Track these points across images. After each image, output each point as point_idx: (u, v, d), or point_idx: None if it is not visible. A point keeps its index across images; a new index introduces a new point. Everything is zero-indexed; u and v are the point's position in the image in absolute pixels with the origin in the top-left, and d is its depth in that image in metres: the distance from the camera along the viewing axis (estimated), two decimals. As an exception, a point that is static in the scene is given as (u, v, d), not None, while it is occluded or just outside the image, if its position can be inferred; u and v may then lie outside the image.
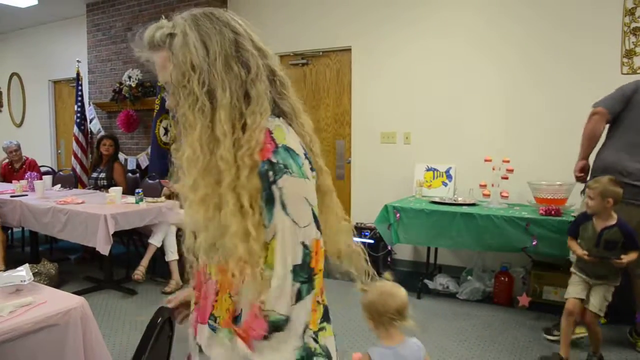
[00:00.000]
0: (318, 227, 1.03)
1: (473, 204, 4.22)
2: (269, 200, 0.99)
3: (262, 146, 1.01)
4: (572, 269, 3.13)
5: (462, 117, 4.76)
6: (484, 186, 4.29)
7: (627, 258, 2.86)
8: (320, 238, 1.03)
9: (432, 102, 4.89)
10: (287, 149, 1.01)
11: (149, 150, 5.85)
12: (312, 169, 1.06)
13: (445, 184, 4.79)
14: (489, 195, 4.25)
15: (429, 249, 4.53)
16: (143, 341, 1.39)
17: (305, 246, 0.99)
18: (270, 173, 0.99)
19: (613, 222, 2.91)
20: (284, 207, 0.98)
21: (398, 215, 4.18)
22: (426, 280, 4.44)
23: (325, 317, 1.18)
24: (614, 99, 3.28)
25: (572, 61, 4.20)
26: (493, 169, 4.19)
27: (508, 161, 4.16)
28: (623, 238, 2.89)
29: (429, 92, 4.90)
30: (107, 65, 6.73)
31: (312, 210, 1.02)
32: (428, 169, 4.87)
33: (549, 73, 4.32)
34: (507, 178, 4.14)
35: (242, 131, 1.02)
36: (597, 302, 2.96)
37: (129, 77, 6.17)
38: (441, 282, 4.44)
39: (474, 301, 4.19)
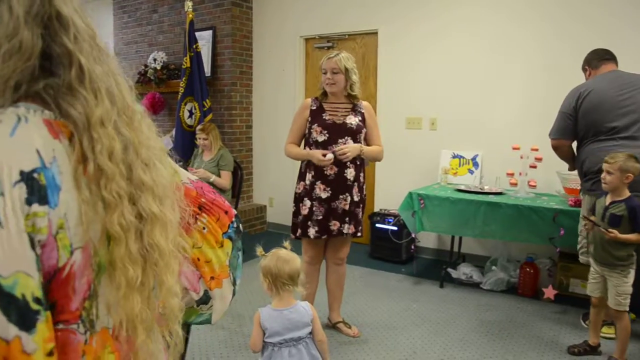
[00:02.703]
0: (26, 315, 0.60)
1: (500, 193, 4.13)
2: None
3: None
4: (590, 258, 3.07)
5: (490, 103, 4.65)
6: (512, 175, 4.20)
7: (618, 235, 2.74)
8: (28, 336, 0.60)
9: (460, 88, 4.78)
10: None
11: (173, 132, 5.86)
12: (45, 202, 0.63)
13: (471, 172, 4.69)
14: (516, 184, 4.16)
15: (453, 237, 4.46)
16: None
17: None
18: None
19: (623, 197, 2.81)
20: None
21: (423, 202, 4.11)
22: (449, 269, 4.38)
23: None
24: (560, 125, 3.36)
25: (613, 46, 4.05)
26: (521, 157, 4.09)
27: (537, 149, 4.04)
28: (627, 213, 2.77)
29: (457, 78, 4.79)
30: (132, 48, 6.74)
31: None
32: (454, 156, 4.78)
33: (580, 62, 4.17)
34: (535, 167, 4.04)
35: None
36: (610, 297, 2.87)
37: (154, 60, 6.16)
38: (465, 271, 4.38)
39: (497, 292, 4.12)
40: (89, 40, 0.73)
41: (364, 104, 3.24)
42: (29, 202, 0.62)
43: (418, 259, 4.85)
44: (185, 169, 5.11)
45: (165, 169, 0.82)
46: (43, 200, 0.63)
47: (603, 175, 2.85)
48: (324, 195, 3.07)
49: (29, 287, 0.61)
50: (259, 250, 2.19)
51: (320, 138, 3.06)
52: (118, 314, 0.72)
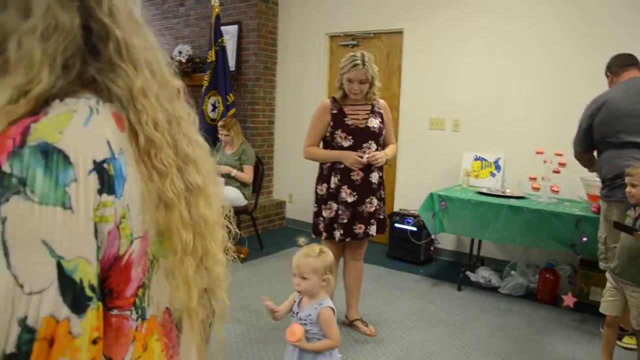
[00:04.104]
0: (79, 299, 0.62)
1: (521, 197, 4.10)
2: None
3: None
4: (607, 273, 2.94)
5: (514, 107, 4.60)
6: (534, 179, 4.16)
7: None
8: (76, 319, 0.62)
9: (484, 90, 4.74)
10: (48, 152, 0.61)
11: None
12: (112, 191, 0.66)
13: (493, 175, 4.66)
14: (538, 189, 4.12)
15: (472, 240, 4.43)
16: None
17: (26, 327, 0.59)
18: None
19: None
20: (5, 253, 0.59)
21: (443, 204, 4.10)
22: (468, 272, 4.36)
23: None
24: (579, 138, 3.41)
25: (634, 52, 3.98)
26: (544, 161, 4.05)
27: (561, 154, 4.00)
28: None
29: (481, 80, 4.75)
30: (158, 40, 6.77)
31: (60, 263, 0.61)
32: (476, 159, 4.75)
33: (602, 67, 4.11)
34: (558, 172, 4.00)
35: None
36: (633, 317, 2.73)
37: (180, 53, 6.21)
38: (483, 275, 4.35)
39: (516, 297, 4.09)
40: (125, 14, 0.74)
41: (382, 103, 3.24)
42: (100, 192, 0.64)
43: (437, 261, 4.84)
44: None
45: (203, 145, 0.86)
46: (111, 190, 0.66)
47: (628, 188, 2.75)
48: (349, 199, 3.09)
49: (87, 273, 0.63)
50: (319, 248, 2.19)
51: (346, 143, 3.07)
52: (175, 279, 0.76)
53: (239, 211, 4.96)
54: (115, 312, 0.70)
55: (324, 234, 3.15)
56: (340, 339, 2.16)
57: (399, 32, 5.22)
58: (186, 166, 0.77)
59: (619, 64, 3.34)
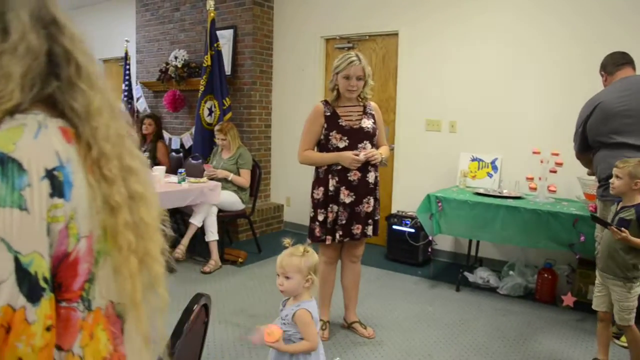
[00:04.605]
0: (34, 290, 0.70)
1: (519, 197, 4.10)
2: None
3: None
4: (596, 269, 2.95)
5: (510, 106, 4.61)
6: (531, 179, 4.16)
7: (629, 236, 2.60)
8: (31, 307, 0.70)
9: (480, 91, 4.75)
10: (4, 161, 0.69)
11: (192, 130, 5.91)
12: (62, 195, 0.74)
13: (490, 175, 4.66)
14: (535, 189, 4.11)
15: (470, 241, 4.43)
16: (179, 325, 1.39)
17: None
18: None
19: (634, 203, 2.70)
20: None
21: (440, 205, 4.09)
22: (466, 273, 4.35)
23: None
24: (577, 139, 3.43)
25: (630, 52, 3.99)
26: (541, 161, 4.04)
27: (557, 154, 4.00)
28: (636, 219, 2.66)
29: (477, 80, 4.75)
30: (154, 45, 6.80)
31: (17, 258, 0.69)
32: (473, 159, 4.75)
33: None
34: (555, 172, 4.00)
35: None
36: (615, 310, 2.75)
37: (175, 58, 6.21)
38: (481, 275, 4.34)
39: (514, 297, 4.08)
40: (81, 42, 0.84)
41: (373, 105, 3.24)
42: (51, 195, 0.73)
43: (435, 262, 4.83)
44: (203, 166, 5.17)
45: (143, 158, 0.94)
46: (61, 194, 0.74)
47: (612, 179, 2.78)
48: (347, 200, 3.09)
49: (41, 267, 0.72)
50: (303, 248, 2.16)
51: (341, 144, 3.07)
52: (122, 274, 0.84)
53: (236, 215, 4.96)
54: (64, 304, 0.77)
55: (329, 238, 3.14)
56: (318, 341, 2.11)
57: (395, 34, 5.23)
58: (129, 176, 0.86)
59: (613, 63, 3.34)
